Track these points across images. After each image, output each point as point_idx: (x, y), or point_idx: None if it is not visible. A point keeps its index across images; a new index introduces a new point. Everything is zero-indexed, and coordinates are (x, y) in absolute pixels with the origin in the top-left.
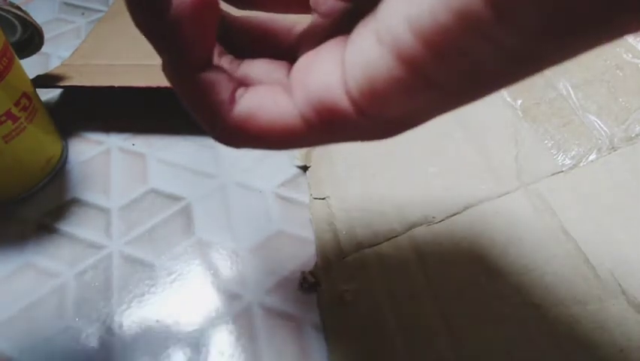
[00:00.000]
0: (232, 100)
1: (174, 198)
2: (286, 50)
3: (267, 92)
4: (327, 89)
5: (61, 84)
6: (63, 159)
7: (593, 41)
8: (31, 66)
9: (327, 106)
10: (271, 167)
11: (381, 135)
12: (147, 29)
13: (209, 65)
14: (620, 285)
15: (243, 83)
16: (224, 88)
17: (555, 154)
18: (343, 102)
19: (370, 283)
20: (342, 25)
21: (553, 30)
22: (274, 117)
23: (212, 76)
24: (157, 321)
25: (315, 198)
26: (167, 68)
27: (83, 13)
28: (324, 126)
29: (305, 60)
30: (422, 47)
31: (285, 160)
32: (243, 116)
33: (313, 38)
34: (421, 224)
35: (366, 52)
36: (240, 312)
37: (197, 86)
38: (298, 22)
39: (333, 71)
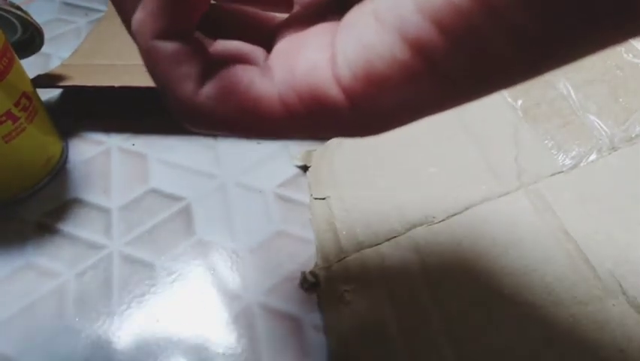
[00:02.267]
0: (203, 75)
1: (174, 198)
2: (263, 37)
3: (244, 72)
4: (314, 73)
5: (61, 84)
6: (63, 159)
7: (614, 34)
8: (31, 66)
9: (313, 91)
10: (271, 167)
11: (368, 130)
12: None
13: (186, 34)
14: (620, 285)
15: (216, 59)
16: (196, 60)
17: (555, 154)
18: (332, 87)
19: (370, 283)
20: (325, 15)
21: (578, 14)
22: (250, 99)
23: (185, 45)
24: (157, 321)
25: (315, 198)
26: (140, 31)
27: (85, 14)
28: (307, 114)
29: (288, 43)
30: (433, 30)
31: (285, 160)
32: (213, 95)
33: (294, 26)
34: (421, 224)
35: (364, 33)
36: (239, 312)
37: (173, 54)
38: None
39: (321, 54)
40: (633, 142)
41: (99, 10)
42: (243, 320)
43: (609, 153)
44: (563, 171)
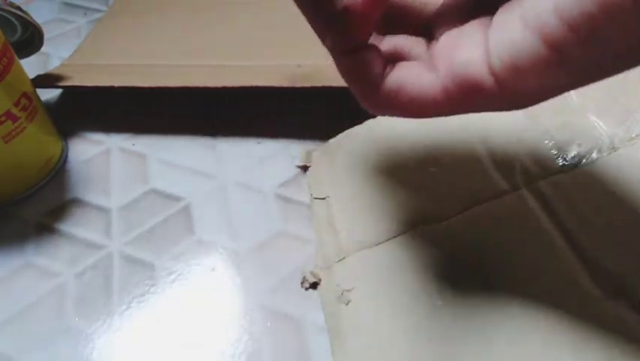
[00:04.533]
0: (383, 74)
1: (174, 198)
2: (420, 27)
3: (412, 68)
4: (470, 65)
5: (61, 84)
6: (63, 158)
7: None
8: (31, 66)
9: (470, 80)
10: (271, 167)
11: (513, 106)
12: (314, 18)
13: (366, 45)
14: (620, 285)
15: (388, 57)
16: (377, 64)
17: (555, 154)
18: (485, 77)
19: (370, 283)
20: (476, 4)
21: None
22: (418, 89)
23: (368, 54)
24: (157, 321)
25: (315, 198)
26: (331, 50)
27: (85, 14)
28: (463, 98)
29: (448, 39)
30: (567, 31)
31: (285, 160)
32: (392, 89)
33: (449, 17)
34: (421, 224)
35: (513, 34)
36: (239, 312)
37: (356, 63)
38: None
39: (476, 50)
40: (633, 142)
41: (99, 10)
42: (243, 320)
43: (609, 153)
44: (563, 171)
